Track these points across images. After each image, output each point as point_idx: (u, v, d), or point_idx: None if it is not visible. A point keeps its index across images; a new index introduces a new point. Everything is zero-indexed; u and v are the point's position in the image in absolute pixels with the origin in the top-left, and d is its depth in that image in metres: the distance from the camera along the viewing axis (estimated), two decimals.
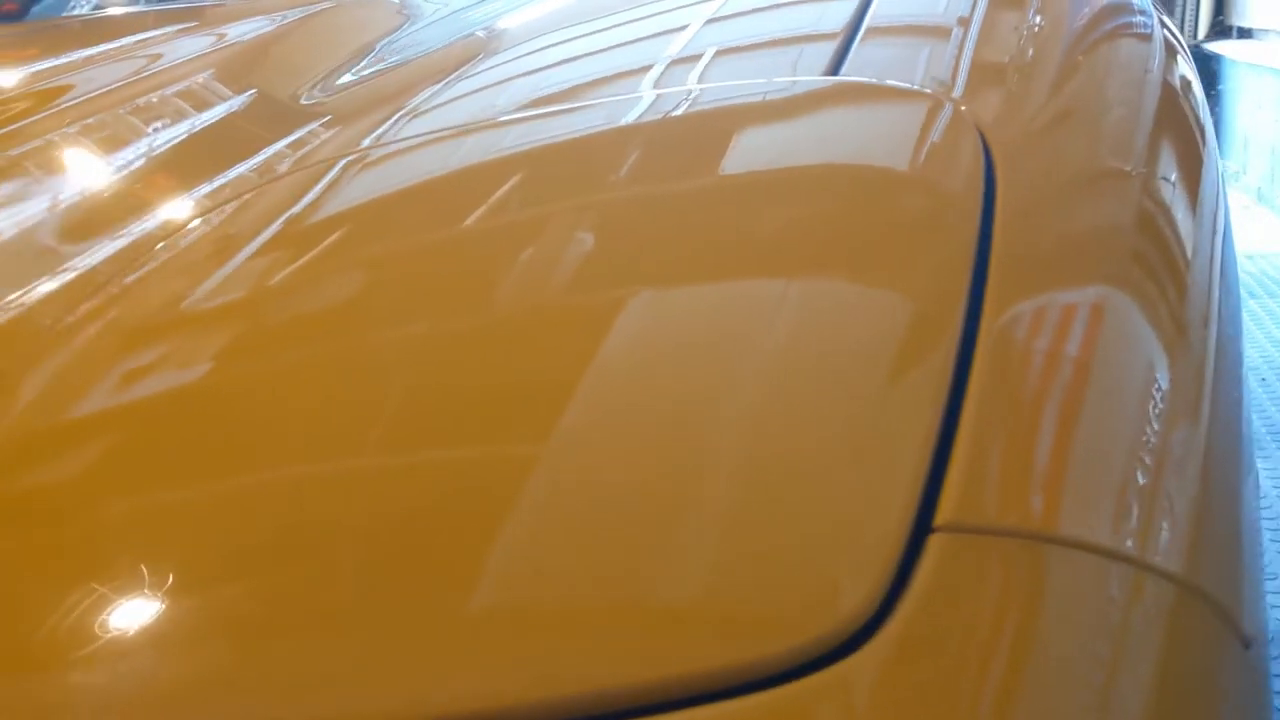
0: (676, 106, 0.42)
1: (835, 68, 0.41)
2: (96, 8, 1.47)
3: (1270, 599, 1.57)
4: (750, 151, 0.37)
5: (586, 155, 0.40)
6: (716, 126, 0.39)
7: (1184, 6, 4.61)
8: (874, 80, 0.40)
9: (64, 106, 0.72)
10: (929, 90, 0.38)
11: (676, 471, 0.25)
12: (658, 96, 0.43)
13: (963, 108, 0.37)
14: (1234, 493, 0.37)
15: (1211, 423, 0.35)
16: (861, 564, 0.23)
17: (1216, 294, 0.44)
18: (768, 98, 0.40)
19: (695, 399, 0.27)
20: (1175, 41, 0.66)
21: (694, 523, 0.24)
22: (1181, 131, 0.53)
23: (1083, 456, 0.28)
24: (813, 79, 0.41)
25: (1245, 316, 2.66)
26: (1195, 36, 4.70)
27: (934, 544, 0.24)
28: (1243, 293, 2.87)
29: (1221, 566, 0.31)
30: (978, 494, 0.26)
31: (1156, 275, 0.38)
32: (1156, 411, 0.32)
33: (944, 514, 0.25)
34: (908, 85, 0.39)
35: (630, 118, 0.41)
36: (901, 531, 0.24)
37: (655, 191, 0.36)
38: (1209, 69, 4.47)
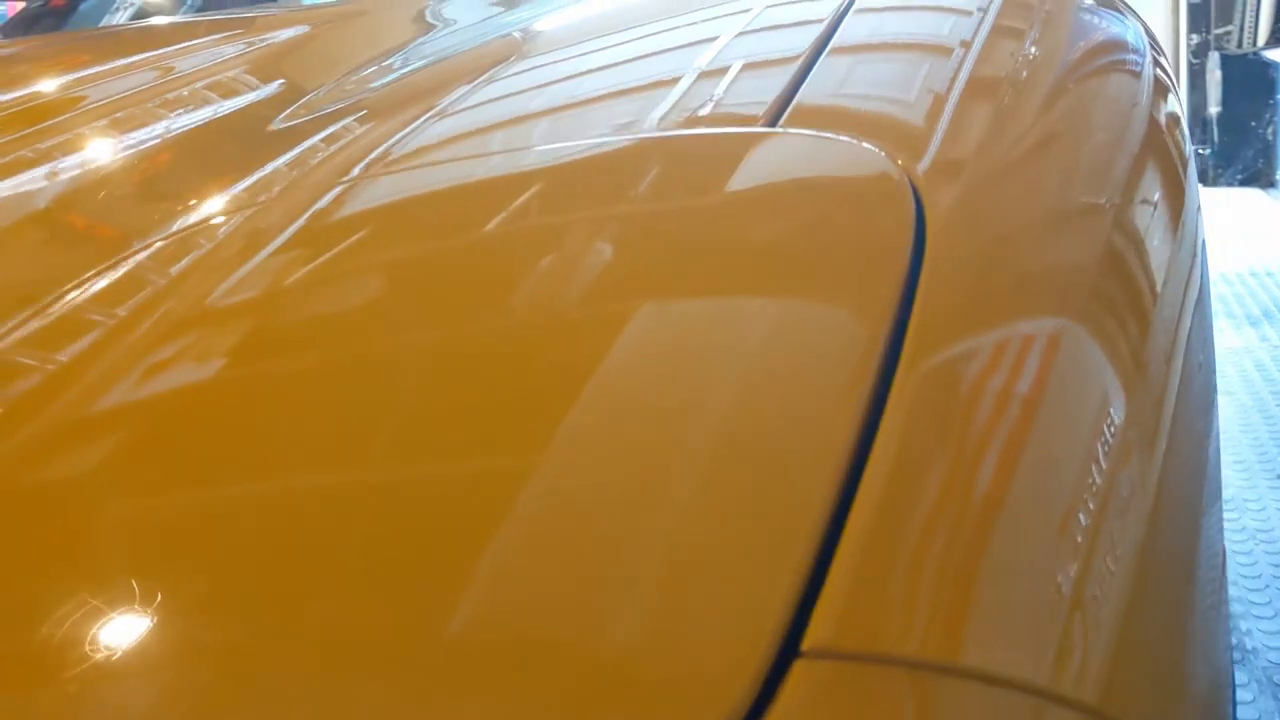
0: (604, 157, 0.40)
1: (777, 115, 0.38)
2: (137, 16, 1.49)
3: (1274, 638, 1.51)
4: (663, 208, 0.34)
5: (490, 210, 0.38)
6: (638, 182, 0.37)
7: (1243, 13, 4.47)
8: (810, 133, 0.37)
9: (94, 105, 0.73)
10: (866, 142, 0.36)
11: (528, 574, 0.23)
12: (582, 147, 0.41)
13: (899, 161, 0.34)
14: (1182, 570, 0.34)
15: (1160, 498, 0.33)
16: (711, 698, 0.21)
17: (1182, 341, 0.42)
18: (696, 152, 0.38)
19: (563, 486, 0.25)
20: (1166, 80, 0.62)
21: (530, 645, 0.22)
22: (1155, 171, 0.49)
23: (990, 567, 0.25)
24: (749, 130, 0.38)
25: None
26: (1255, 44, 4.57)
27: (798, 672, 0.22)
28: None
29: (1150, 683, 0.28)
30: (856, 612, 0.23)
31: (1098, 340, 0.35)
32: (1086, 501, 0.29)
33: (813, 636, 0.22)
34: (841, 138, 0.36)
35: (554, 168, 0.39)
36: (760, 658, 0.22)
37: (569, 252, 0.33)
38: (1268, 77, 4.34)
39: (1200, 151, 4.70)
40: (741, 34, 0.58)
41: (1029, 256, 0.37)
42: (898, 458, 0.26)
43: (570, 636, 0.22)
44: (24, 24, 1.86)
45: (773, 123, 0.38)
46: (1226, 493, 1.85)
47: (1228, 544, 1.69)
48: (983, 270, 0.33)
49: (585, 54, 0.60)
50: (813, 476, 0.25)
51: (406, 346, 0.31)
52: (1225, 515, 1.78)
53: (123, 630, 0.23)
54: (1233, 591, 1.55)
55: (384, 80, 0.64)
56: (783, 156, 0.37)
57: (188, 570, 0.25)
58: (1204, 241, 0.57)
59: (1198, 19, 4.58)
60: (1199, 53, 4.61)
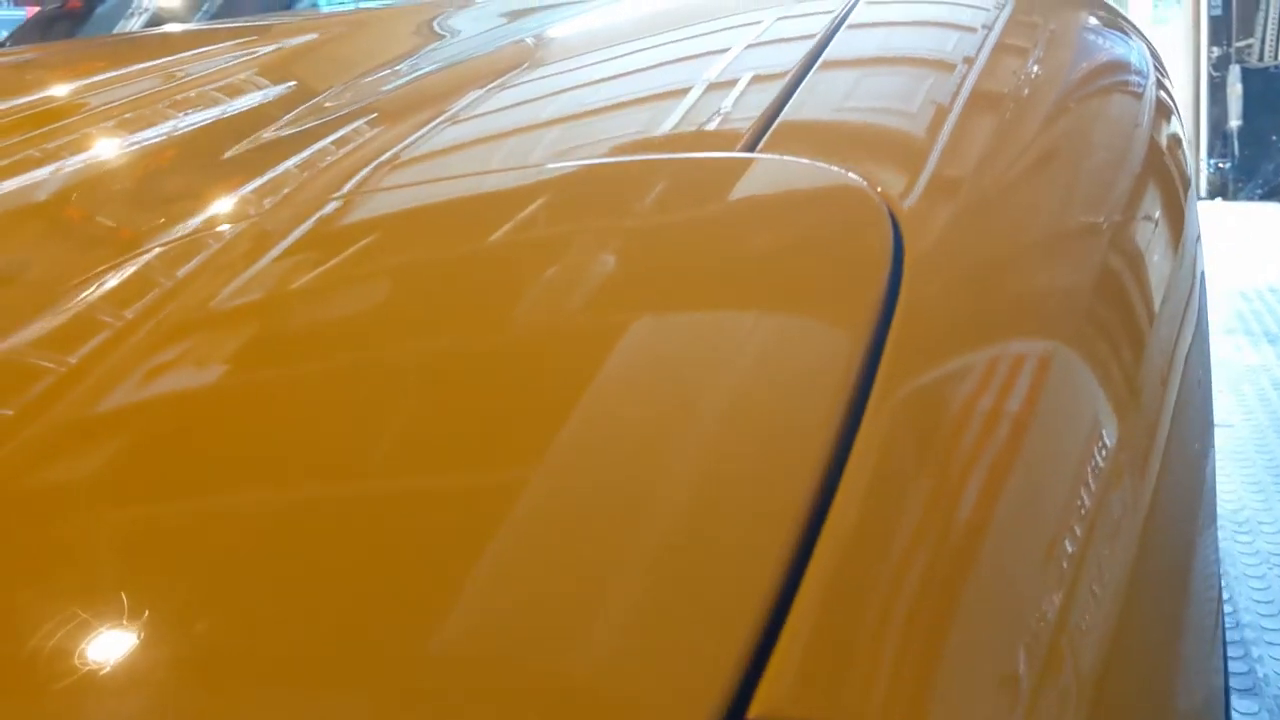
0: (576, 181, 0.38)
1: (757, 138, 0.37)
2: (152, 21, 1.50)
3: None
4: (632, 235, 0.33)
5: (443, 234, 0.37)
6: (608, 208, 0.36)
7: (1264, 26, 4.44)
8: (788, 158, 0.36)
9: (99, 109, 0.74)
10: (844, 168, 0.34)
11: (465, 630, 0.22)
12: (554, 170, 0.40)
13: (878, 188, 0.33)
14: (1174, 603, 0.33)
15: (1148, 535, 0.31)
16: None
17: (1178, 366, 0.40)
18: (672, 176, 0.36)
19: (506, 535, 0.24)
20: (1169, 102, 0.61)
21: (464, 703, 0.21)
22: (1155, 192, 0.48)
23: (962, 624, 0.24)
24: (726, 155, 0.37)
25: None
26: (1277, 58, 4.53)
27: None
28: None
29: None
30: (810, 674, 0.22)
31: (1089, 366, 0.33)
32: (1068, 542, 0.27)
33: (761, 703, 0.21)
34: (819, 164, 0.35)
35: (520, 192, 0.38)
36: None
37: (530, 282, 0.32)
38: None
39: (1220, 166, 4.66)
40: (740, 49, 0.57)
41: (1017, 283, 0.36)
42: (862, 506, 0.24)
43: (497, 703, 0.21)
44: (41, 26, 1.87)
45: (751, 146, 0.37)
46: (1240, 515, 1.82)
47: (1241, 568, 1.66)
48: (966, 300, 0.31)
49: (576, 69, 0.59)
50: (769, 524, 0.24)
51: (362, 371, 0.30)
52: (1239, 538, 1.75)
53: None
54: (1244, 617, 1.52)
55: (358, 103, 0.63)
56: (759, 183, 0.35)
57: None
58: (1203, 267, 0.55)
59: (1219, 32, 4.55)
60: (1220, 66, 4.57)
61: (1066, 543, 0.28)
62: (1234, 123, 4.58)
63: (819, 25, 0.53)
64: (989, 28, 0.59)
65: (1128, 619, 0.29)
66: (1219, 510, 1.93)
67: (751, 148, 0.37)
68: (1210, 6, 4.54)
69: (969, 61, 0.51)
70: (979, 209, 0.36)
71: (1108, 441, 0.32)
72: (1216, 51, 4.58)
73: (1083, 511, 0.29)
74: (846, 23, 0.52)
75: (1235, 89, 4.53)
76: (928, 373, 0.29)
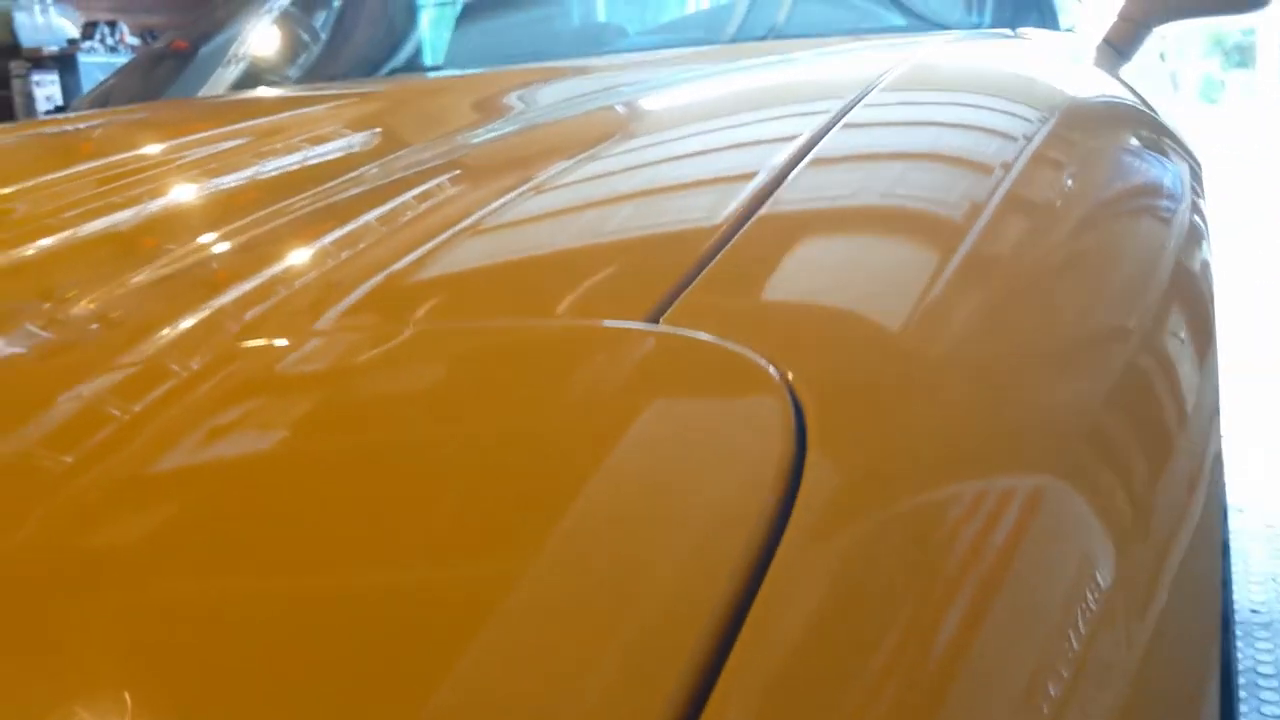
0: (445, 352, 0.35)
1: (665, 306, 0.34)
2: (245, 80, 1.56)
3: None
4: (495, 414, 0.30)
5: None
6: (472, 383, 0.32)
7: None
8: (685, 333, 0.32)
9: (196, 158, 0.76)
10: (744, 347, 0.31)
11: None
12: (416, 335, 0.36)
13: (790, 375, 0.30)
14: None
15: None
16: None
17: (1182, 538, 0.37)
18: (555, 348, 0.33)
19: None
20: (1200, 226, 0.57)
21: None
22: (1175, 317, 0.45)
23: None
24: (622, 325, 0.34)
25: None
26: None
27: None
28: None
29: None
30: None
31: (1065, 531, 0.30)
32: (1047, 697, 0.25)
33: None
34: (720, 341, 0.32)
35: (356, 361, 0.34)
36: None
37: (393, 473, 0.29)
38: None
39: None
40: (699, 168, 0.54)
41: (973, 440, 0.32)
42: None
43: None
44: (146, 66, 1.96)
45: (656, 317, 0.34)
46: None
47: None
48: (887, 499, 0.28)
49: (534, 178, 0.52)
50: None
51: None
52: None
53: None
54: None
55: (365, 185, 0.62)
56: (648, 362, 0.32)
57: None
58: (1218, 400, 0.51)
59: None
60: None
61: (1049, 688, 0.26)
62: None
63: (785, 150, 0.48)
64: (1029, 138, 0.55)
65: None
66: None
67: (659, 315, 0.34)
68: None
69: (993, 170, 0.48)
70: (936, 377, 0.32)
71: (1100, 584, 0.30)
72: None
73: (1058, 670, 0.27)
74: (811, 156, 0.47)
75: None
76: (829, 553, 0.26)
